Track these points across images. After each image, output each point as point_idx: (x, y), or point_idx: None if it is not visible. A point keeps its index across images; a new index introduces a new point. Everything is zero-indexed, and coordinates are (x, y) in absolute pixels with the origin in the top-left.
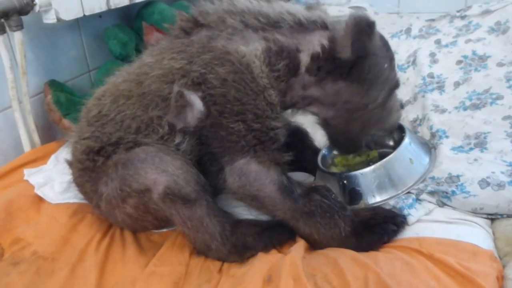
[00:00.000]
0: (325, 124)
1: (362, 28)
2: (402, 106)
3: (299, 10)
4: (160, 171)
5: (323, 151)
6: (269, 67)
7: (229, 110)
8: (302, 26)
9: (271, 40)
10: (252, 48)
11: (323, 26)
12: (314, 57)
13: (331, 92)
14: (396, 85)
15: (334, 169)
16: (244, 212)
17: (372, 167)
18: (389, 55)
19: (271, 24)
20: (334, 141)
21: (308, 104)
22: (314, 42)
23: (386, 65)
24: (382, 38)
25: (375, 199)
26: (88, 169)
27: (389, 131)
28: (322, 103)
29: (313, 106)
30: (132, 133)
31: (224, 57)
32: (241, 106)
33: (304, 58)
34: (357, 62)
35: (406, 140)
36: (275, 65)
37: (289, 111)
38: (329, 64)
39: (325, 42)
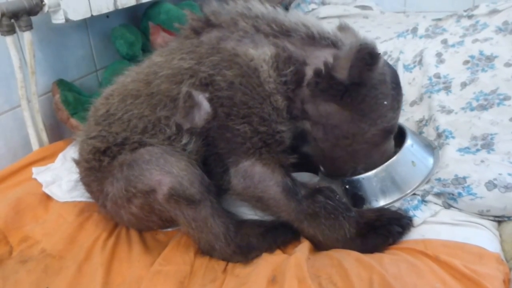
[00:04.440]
0: (314, 144)
1: (363, 56)
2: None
3: (314, 23)
4: (165, 172)
5: None
6: (277, 72)
7: (236, 113)
8: (313, 40)
9: (281, 47)
10: (261, 52)
11: (335, 44)
12: (317, 73)
13: (323, 112)
14: (391, 129)
15: None
16: (249, 212)
17: (374, 171)
18: (393, 95)
19: (283, 32)
20: (320, 161)
21: (305, 119)
22: (321, 58)
23: (385, 102)
24: (393, 76)
25: (378, 203)
26: (94, 169)
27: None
28: (315, 121)
29: (307, 123)
30: (138, 133)
31: (233, 60)
32: (248, 109)
33: (309, 72)
34: (352, 89)
35: (408, 142)
36: (283, 71)
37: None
38: (325, 82)
39: (330, 60)
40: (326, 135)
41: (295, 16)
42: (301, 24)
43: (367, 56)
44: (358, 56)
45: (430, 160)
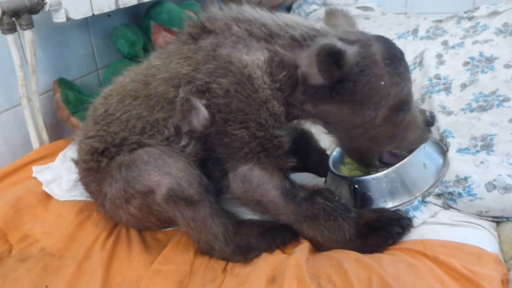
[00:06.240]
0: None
1: (323, 59)
2: (431, 123)
3: (299, 24)
4: (163, 173)
5: (334, 153)
6: (270, 78)
7: (233, 119)
8: (298, 42)
9: (273, 51)
10: (254, 57)
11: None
12: (303, 77)
13: (323, 111)
14: (401, 101)
15: (344, 170)
16: (248, 212)
17: (385, 172)
18: (389, 71)
19: (272, 36)
20: (346, 151)
21: (310, 117)
22: (307, 59)
23: (382, 83)
24: (385, 52)
25: (386, 204)
26: (93, 170)
27: (408, 149)
28: (320, 119)
29: (316, 120)
30: (136, 133)
31: (227, 67)
32: (244, 116)
33: (300, 75)
34: (335, 87)
35: None
36: (277, 76)
37: (295, 121)
38: (310, 88)
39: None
40: (336, 129)
41: (281, 19)
42: (285, 26)
43: (327, 57)
44: (319, 60)
45: (440, 161)
